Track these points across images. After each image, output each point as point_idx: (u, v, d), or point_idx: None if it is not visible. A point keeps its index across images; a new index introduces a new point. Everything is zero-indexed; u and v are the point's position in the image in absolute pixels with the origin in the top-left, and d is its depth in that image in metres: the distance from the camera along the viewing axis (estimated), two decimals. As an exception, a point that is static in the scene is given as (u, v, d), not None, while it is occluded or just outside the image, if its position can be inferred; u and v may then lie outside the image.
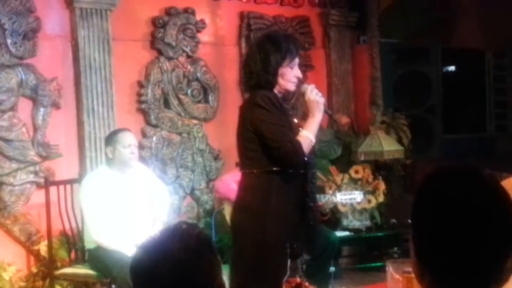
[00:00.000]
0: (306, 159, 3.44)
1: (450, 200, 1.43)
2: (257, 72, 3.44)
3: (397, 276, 2.88)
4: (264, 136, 3.38)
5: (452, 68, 8.75)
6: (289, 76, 3.46)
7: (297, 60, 3.52)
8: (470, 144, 8.37)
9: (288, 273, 2.55)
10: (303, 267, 2.68)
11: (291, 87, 3.50)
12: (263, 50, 3.45)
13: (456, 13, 8.22)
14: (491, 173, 1.50)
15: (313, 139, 3.42)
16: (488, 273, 1.42)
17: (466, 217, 1.41)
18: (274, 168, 3.40)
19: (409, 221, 1.53)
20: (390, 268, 2.95)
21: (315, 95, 3.46)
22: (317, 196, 3.82)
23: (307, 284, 2.55)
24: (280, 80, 3.45)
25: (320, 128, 3.64)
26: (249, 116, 3.45)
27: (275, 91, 3.47)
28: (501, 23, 8.01)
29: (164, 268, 1.59)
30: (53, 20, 5.51)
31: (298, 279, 2.54)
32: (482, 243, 1.40)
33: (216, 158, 6.34)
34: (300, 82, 3.57)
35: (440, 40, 8.10)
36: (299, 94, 3.60)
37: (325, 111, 3.58)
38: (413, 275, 2.78)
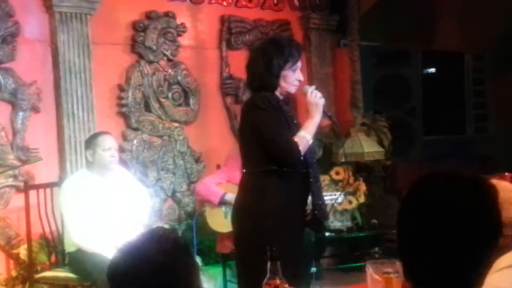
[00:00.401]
0: (303, 158, 3.49)
1: (434, 206, 1.46)
2: (260, 75, 3.51)
3: (377, 277, 2.89)
4: (262, 135, 3.46)
5: (432, 70, 8.80)
6: (291, 79, 3.52)
7: (299, 64, 3.57)
8: (450, 145, 8.42)
9: (268, 275, 2.56)
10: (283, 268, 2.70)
11: (293, 89, 3.57)
12: (266, 53, 3.52)
13: (436, 16, 8.29)
14: (479, 177, 1.52)
15: (310, 139, 3.48)
16: (467, 277, 1.45)
17: (449, 223, 1.43)
18: (273, 167, 3.46)
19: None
20: (369, 269, 2.96)
21: (314, 97, 3.52)
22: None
23: (287, 285, 2.56)
24: (282, 83, 3.51)
25: (320, 130, 3.69)
26: (248, 117, 3.54)
27: (277, 93, 3.53)
28: (480, 26, 8.08)
29: (141, 271, 1.60)
30: (32, 24, 5.48)
31: (278, 281, 2.55)
32: (464, 248, 1.43)
33: (197, 160, 6.34)
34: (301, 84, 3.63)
35: (420, 43, 8.16)
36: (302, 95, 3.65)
37: (324, 113, 3.61)
38: (392, 275, 2.82)
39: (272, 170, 3.47)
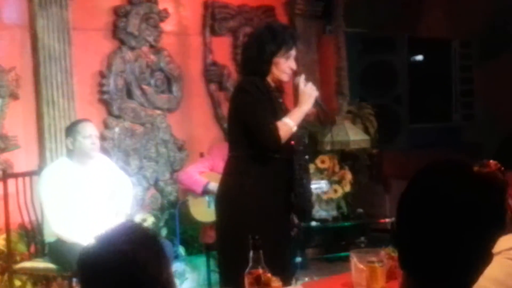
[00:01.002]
0: (289, 145, 3.49)
1: (436, 196, 1.44)
2: (252, 60, 3.55)
3: (361, 266, 2.86)
4: (245, 118, 3.49)
5: (418, 57, 8.74)
6: (283, 66, 3.52)
7: (293, 52, 3.56)
8: (436, 133, 8.40)
9: (250, 264, 2.53)
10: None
11: (285, 77, 3.56)
12: (260, 39, 3.55)
13: (422, 2, 8.24)
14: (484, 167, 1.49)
15: (294, 127, 3.46)
16: (466, 268, 1.44)
17: (451, 214, 1.42)
18: (256, 152, 3.49)
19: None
20: (354, 258, 2.94)
21: (309, 88, 3.52)
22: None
23: (269, 275, 2.53)
24: (274, 70, 3.52)
25: (306, 118, 3.66)
26: (235, 100, 3.59)
27: (269, 79, 3.54)
28: (467, 12, 8.04)
29: (108, 260, 1.61)
30: (11, 9, 5.39)
31: (260, 271, 2.51)
32: (462, 242, 1.42)
33: (180, 148, 6.27)
34: (294, 73, 3.61)
35: (406, 29, 8.11)
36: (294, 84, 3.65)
37: (318, 105, 3.62)
38: (376, 264, 2.78)
39: (255, 155, 3.49)
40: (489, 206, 1.43)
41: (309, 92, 3.51)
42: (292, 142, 3.54)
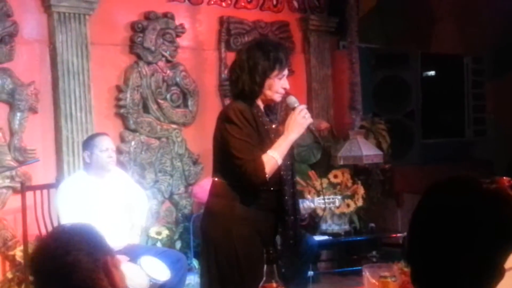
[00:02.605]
0: (278, 175, 3.33)
1: (448, 212, 1.46)
2: (243, 81, 3.33)
3: (373, 281, 2.89)
4: (229, 150, 3.29)
5: (431, 73, 8.77)
6: (276, 87, 3.35)
7: (286, 72, 3.40)
8: (448, 149, 8.40)
9: (264, 278, 2.54)
10: (280, 272, 2.66)
11: (277, 98, 3.40)
12: (252, 59, 3.33)
13: (435, 19, 8.28)
14: (497, 184, 1.51)
15: (279, 160, 3.29)
16: (479, 284, 1.45)
17: (463, 230, 1.44)
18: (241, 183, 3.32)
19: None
20: (366, 273, 2.96)
21: (301, 118, 3.35)
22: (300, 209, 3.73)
23: (283, 288, 2.54)
24: (267, 91, 3.35)
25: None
26: (220, 128, 3.37)
27: (259, 101, 3.39)
28: (479, 29, 8.07)
29: (44, 266, 1.81)
30: (30, 24, 5.47)
31: (274, 285, 2.53)
32: (475, 258, 1.43)
33: (195, 162, 6.32)
34: (287, 92, 3.45)
35: (419, 45, 8.15)
36: (286, 105, 3.50)
37: (311, 132, 3.50)
38: (389, 279, 2.81)
39: (241, 185, 3.33)
40: (500, 222, 1.44)
41: (300, 122, 3.33)
42: (282, 172, 3.36)
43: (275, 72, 3.34)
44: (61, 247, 1.77)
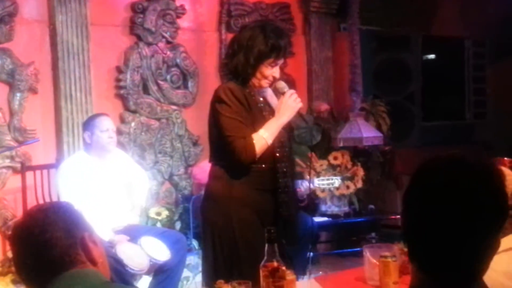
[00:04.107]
0: (271, 152, 3.34)
1: (439, 189, 1.46)
2: (238, 59, 3.36)
3: (374, 261, 2.90)
4: (220, 129, 3.31)
5: (432, 56, 8.77)
6: (266, 73, 3.36)
7: (281, 61, 3.41)
8: (449, 131, 8.41)
9: (265, 257, 2.55)
10: (282, 252, 2.67)
11: (265, 84, 3.39)
12: (252, 39, 3.33)
13: (436, 2, 8.25)
14: (485, 160, 1.51)
15: (269, 140, 3.29)
16: (472, 260, 1.46)
17: (454, 206, 1.43)
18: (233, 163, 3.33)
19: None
20: (367, 253, 2.97)
21: (292, 101, 3.36)
22: (296, 185, 3.71)
23: (284, 268, 2.55)
24: (258, 75, 3.35)
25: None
26: (212, 108, 3.38)
27: (252, 82, 3.39)
28: (481, 11, 8.05)
29: (23, 245, 1.85)
30: (30, 5, 5.45)
31: (275, 264, 2.54)
32: (470, 231, 1.43)
33: (195, 143, 6.32)
34: (275, 80, 3.42)
35: (420, 28, 8.13)
36: (276, 90, 3.46)
37: (301, 116, 3.49)
38: (389, 259, 2.82)
39: (235, 165, 3.33)
40: (491, 194, 1.45)
41: (291, 105, 3.35)
42: (276, 150, 3.37)
43: (270, 60, 3.34)
44: (37, 225, 1.82)
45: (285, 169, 3.41)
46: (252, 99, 3.36)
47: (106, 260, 1.94)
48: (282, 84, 3.44)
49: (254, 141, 3.27)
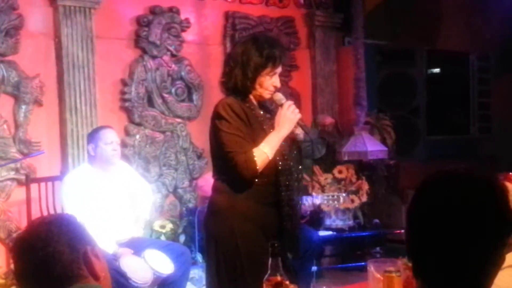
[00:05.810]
0: (274, 166, 3.32)
1: (443, 204, 1.46)
2: (236, 75, 3.33)
3: (378, 276, 2.89)
4: (220, 145, 3.30)
5: (436, 70, 8.78)
6: (267, 84, 3.35)
7: (279, 69, 3.39)
8: (453, 145, 8.41)
9: (268, 271, 2.54)
10: (287, 266, 2.65)
11: (267, 95, 3.38)
12: (246, 54, 3.33)
13: (441, 16, 8.27)
14: (489, 175, 1.50)
15: (270, 154, 3.27)
16: (476, 276, 1.45)
17: (458, 222, 1.43)
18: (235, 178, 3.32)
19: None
20: (371, 268, 2.96)
21: (290, 112, 3.34)
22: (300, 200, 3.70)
23: (287, 282, 2.54)
24: (257, 87, 3.34)
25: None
26: (212, 124, 3.38)
27: (251, 96, 3.38)
28: (485, 26, 8.07)
29: (19, 249, 1.85)
30: (36, 18, 5.46)
31: (279, 278, 2.53)
32: (474, 246, 1.43)
33: (199, 156, 6.32)
34: (277, 90, 3.42)
35: (425, 42, 8.14)
36: (274, 101, 3.44)
37: (302, 128, 3.45)
38: (393, 274, 2.80)
39: (237, 180, 3.32)
40: (495, 209, 1.44)
41: (290, 117, 3.32)
42: (279, 163, 3.35)
43: (268, 70, 3.33)
44: (40, 239, 1.80)
45: (287, 182, 3.39)
46: (251, 113, 3.35)
47: (108, 274, 1.92)
48: (279, 96, 3.42)
49: (255, 156, 3.25)
